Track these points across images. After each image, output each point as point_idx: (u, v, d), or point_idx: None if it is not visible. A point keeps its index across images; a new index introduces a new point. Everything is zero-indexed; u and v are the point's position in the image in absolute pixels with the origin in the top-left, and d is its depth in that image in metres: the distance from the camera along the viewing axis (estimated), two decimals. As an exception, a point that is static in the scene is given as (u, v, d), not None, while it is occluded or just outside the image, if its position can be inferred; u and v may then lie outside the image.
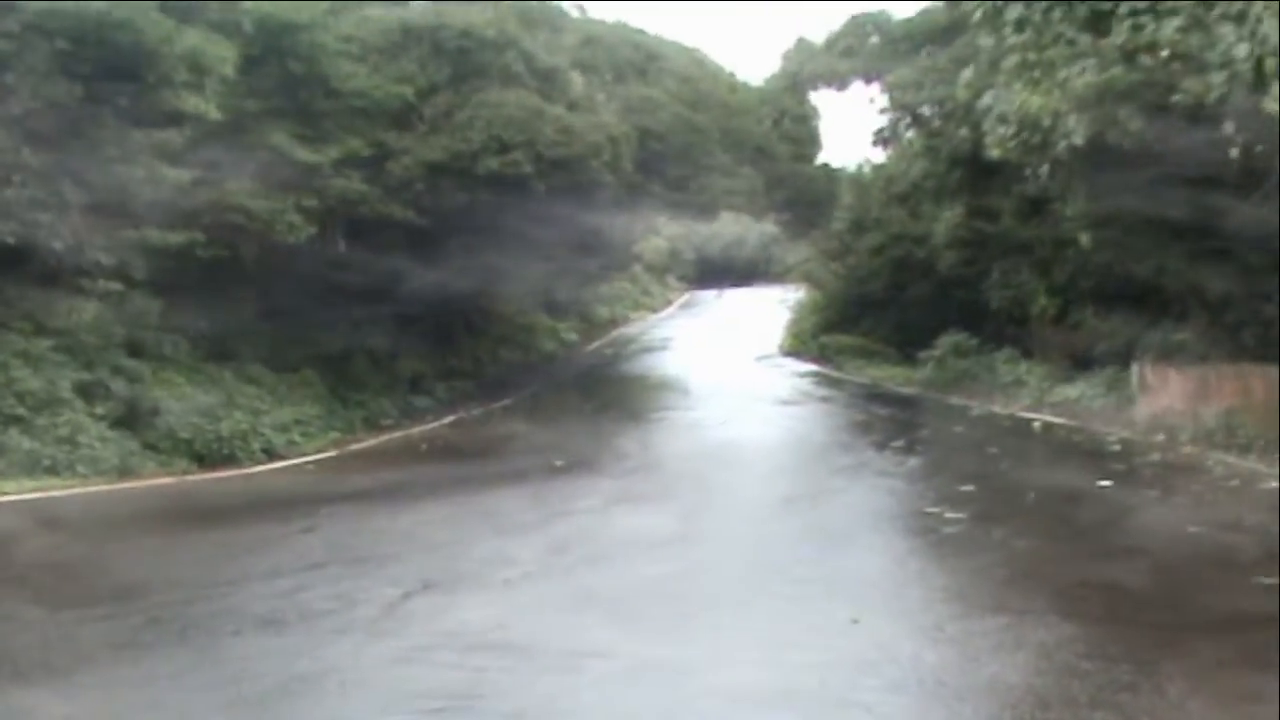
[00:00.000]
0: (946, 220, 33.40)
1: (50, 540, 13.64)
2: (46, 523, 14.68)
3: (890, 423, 26.10)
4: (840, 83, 37.91)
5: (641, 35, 40.08)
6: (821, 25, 45.13)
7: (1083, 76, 17.60)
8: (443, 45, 29.95)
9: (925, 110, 33.42)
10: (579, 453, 21.57)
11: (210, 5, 23.62)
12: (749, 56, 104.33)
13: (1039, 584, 11.01)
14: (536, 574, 11.79)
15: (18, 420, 18.58)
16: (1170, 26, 16.44)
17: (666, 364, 42.95)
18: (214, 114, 22.17)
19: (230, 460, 21.09)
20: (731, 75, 41.84)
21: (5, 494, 16.39)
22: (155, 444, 20.44)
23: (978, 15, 18.44)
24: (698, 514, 15.42)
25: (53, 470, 18.11)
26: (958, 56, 27.57)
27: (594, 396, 33.60)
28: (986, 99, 20.32)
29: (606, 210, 35.00)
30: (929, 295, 36.43)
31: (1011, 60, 19.30)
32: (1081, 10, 16.63)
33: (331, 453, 23.36)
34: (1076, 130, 18.09)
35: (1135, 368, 23.93)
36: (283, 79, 26.71)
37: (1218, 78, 15.95)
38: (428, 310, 30.62)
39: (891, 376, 35.53)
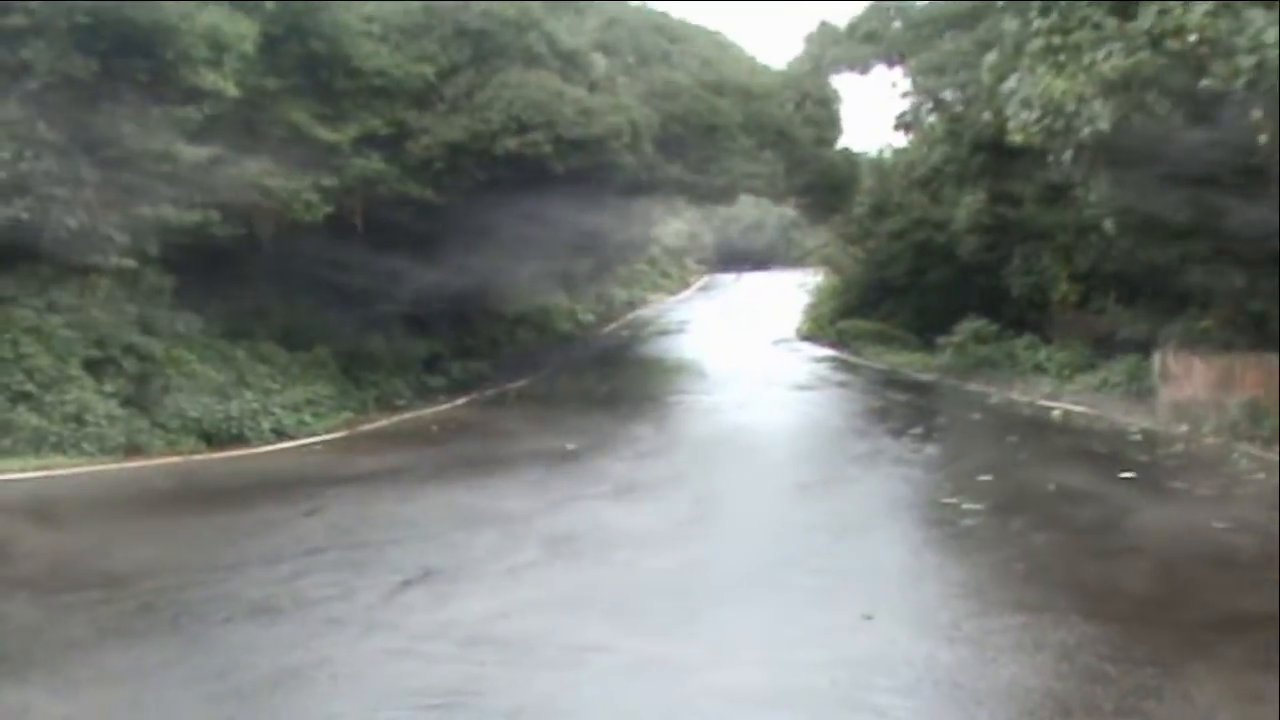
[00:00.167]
0: (968, 205, 33.13)
1: (49, 520, 13.50)
2: (47, 502, 14.57)
3: (907, 409, 25.79)
4: (863, 67, 37.48)
5: (665, 18, 39.66)
6: (844, 9, 44.73)
7: (1109, 61, 17.34)
8: (465, 25, 29.63)
9: (947, 95, 33.09)
10: (592, 436, 21.35)
11: (232, -18, 23.39)
12: (771, 40, 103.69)
13: (1059, 580, 10.77)
14: (541, 563, 11.60)
15: (26, 397, 18.45)
16: (1199, 10, 16.20)
17: (683, 347, 42.76)
18: (232, 91, 21.94)
19: (239, 440, 20.86)
20: (754, 59, 41.34)
21: (9, 472, 16.27)
22: (164, 423, 20.22)
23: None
24: (709, 502, 15.20)
25: (59, 448, 17.96)
26: (982, 40, 27.22)
27: (609, 378, 33.34)
28: (1010, 83, 20.04)
29: (625, 192, 34.77)
30: (949, 281, 36.05)
31: (1036, 44, 19.07)
32: (1109, -7, 16.31)
33: (342, 433, 23.14)
34: (1101, 115, 17.80)
35: (1157, 356, 23.57)
36: (303, 57, 26.45)
37: (1246, 62, 15.71)
38: (444, 290, 30.38)
39: (909, 362, 35.17)
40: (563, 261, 37.36)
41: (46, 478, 16.29)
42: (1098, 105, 17.78)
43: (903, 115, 35.78)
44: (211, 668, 8.25)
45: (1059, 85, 18.19)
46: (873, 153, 42.57)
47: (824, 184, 39.51)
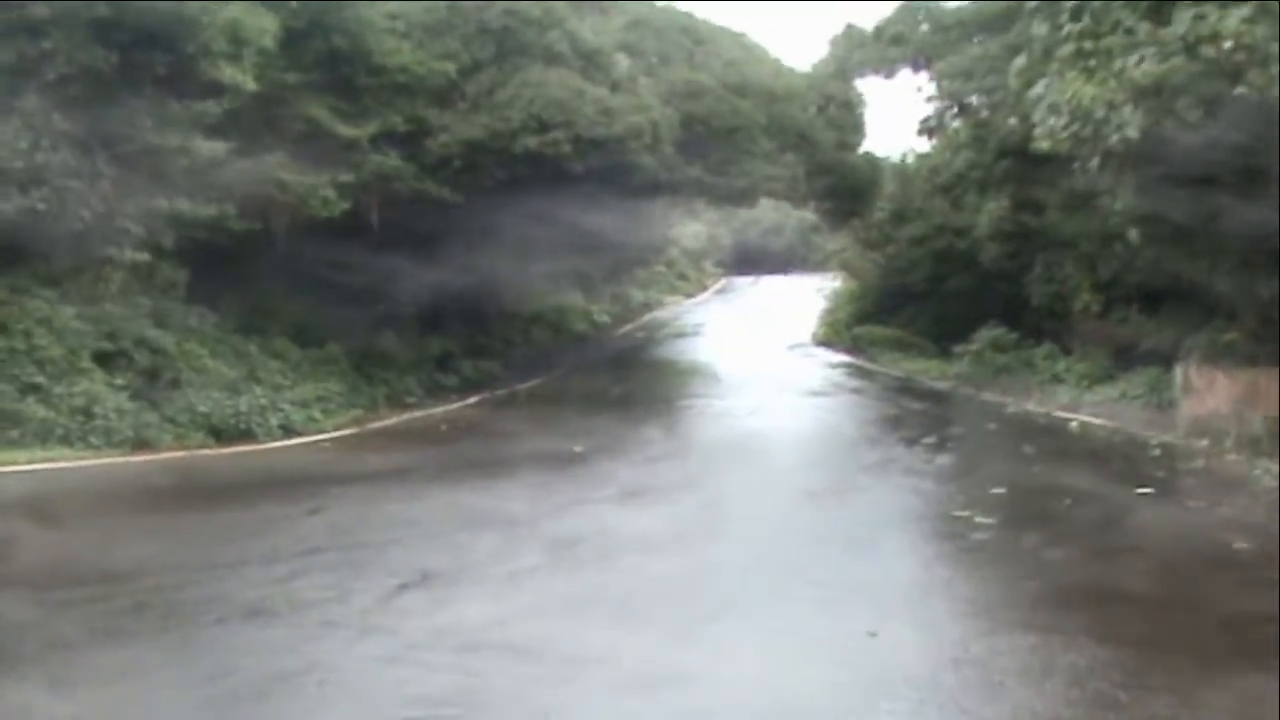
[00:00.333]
0: (990, 212, 32.81)
1: (48, 515, 13.31)
2: (49, 496, 14.43)
3: (922, 418, 25.53)
4: (888, 70, 37.10)
5: (690, 19, 39.50)
6: (871, 12, 44.34)
7: (1141, 66, 17.02)
8: (488, 23, 29.48)
9: (973, 100, 32.74)
10: (600, 438, 21.14)
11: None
12: (796, 42, 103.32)
13: (1071, 600, 10.44)
14: (542, 568, 11.36)
15: (35, 389, 18.40)
16: (1235, 16, 15.89)
17: (697, 350, 42.60)
18: (251, 86, 21.86)
19: (247, 436, 20.69)
20: (778, 61, 41.13)
21: (15, 464, 16.15)
22: (173, 417, 20.09)
23: (1034, 1, 17.85)
24: (716, 509, 14.94)
25: (66, 440, 17.89)
26: (1010, 45, 26.89)
27: (622, 380, 33.17)
28: (1038, 88, 19.72)
29: (645, 193, 34.56)
30: (968, 288, 35.77)
31: (1067, 48, 18.76)
32: (1142, -2, 16.01)
33: (351, 430, 23.02)
34: (1131, 122, 17.49)
35: (1179, 369, 23.21)
36: (325, 53, 26.33)
37: (1283, 70, 15.44)
38: (459, 288, 30.21)
39: (926, 370, 34.92)
40: (579, 262, 37.07)
41: (51, 470, 16.21)
42: (1127, 112, 17.47)
43: (927, 120, 35.41)
44: (198, 672, 8.04)
45: (1088, 91, 17.88)
46: (895, 157, 42.33)
47: (845, 188, 39.30)
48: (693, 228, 70.36)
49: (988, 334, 31.92)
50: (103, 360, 19.69)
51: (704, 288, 73.24)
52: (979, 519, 13.78)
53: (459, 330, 33.04)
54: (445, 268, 28.94)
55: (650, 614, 9.73)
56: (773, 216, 77.36)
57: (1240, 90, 16.32)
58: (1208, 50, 16.74)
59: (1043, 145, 20.13)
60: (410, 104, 28.20)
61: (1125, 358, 27.12)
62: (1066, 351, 29.97)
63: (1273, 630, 9.20)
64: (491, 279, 31.28)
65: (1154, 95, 17.37)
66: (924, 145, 38.91)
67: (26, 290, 19.53)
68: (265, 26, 22.18)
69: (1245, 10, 15.75)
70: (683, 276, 71.41)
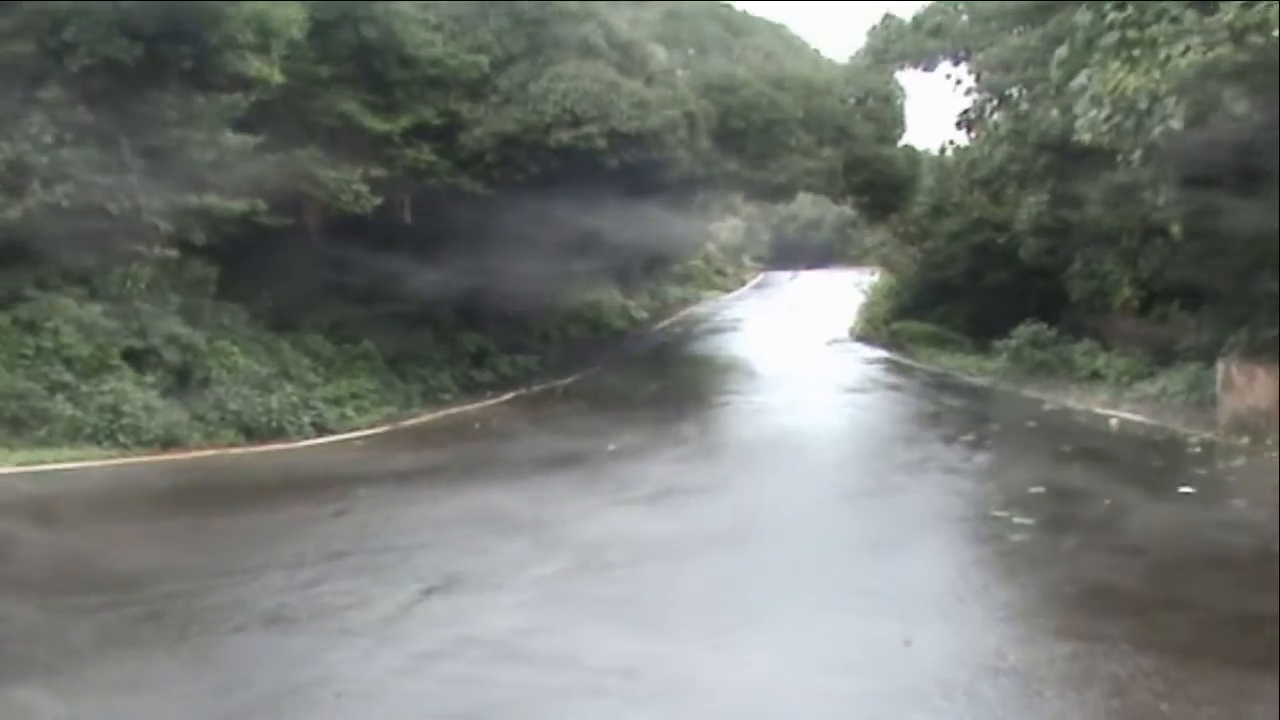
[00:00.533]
0: (1030, 206, 32.42)
1: (71, 516, 13.19)
2: (72, 496, 14.30)
3: (960, 415, 25.22)
4: (927, 62, 36.77)
5: (728, 10, 39.34)
6: (909, 2, 43.90)
7: (1186, 56, 16.69)
8: (521, 15, 29.33)
9: (1013, 92, 32.36)
10: (636, 437, 20.90)
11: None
12: (834, 33, 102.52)
13: (1112, 605, 10.13)
14: (571, 572, 11.12)
15: (64, 386, 18.25)
16: (1285, 4, 15.60)
17: (735, 346, 42.32)
18: (278, 78, 21.66)
19: (279, 434, 20.57)
20: (816, 52, 40.97)
21: (41, 463, 16.04)
22: (203, 415, 19.93)
23: (1076, -10, 17.57)
24: (750, 510, 14.63)
25: (94, 439, 17.76)
26: (1050, 36, 26.52)
27: (658, 377, 32.94)
28: (1080, 79, 19.43)
29: (681, 187, 34.36)
30: (1007, 283, 35.36)
31: (1110, 38, 18.43)
32: (1189, -15, 15.71)
33: (384, 428, 22.88)
34: (1175, 113, 17.16)
35: (1220, 365, 22.81)
36: (356, 46, 26.23)
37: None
38: (495, 284, 30.09)
39: (964, 366, 34.52)
40: (615, 257, 36.89)
41: (77, 470, 16.07)
42: (1172, 102, 17.14)
43: (966, 113, 35.11)
44: (212, 683, 7.85)
45: (1131, 82, 17.56)
46: (934, 151, 41.93)
47: (883, 182, 39.02)
48: (730, 222, 70.26)
49: (1026, 330, 31.52)
50: (132, 358, 19.58)
51: (741, 283, 73.02)
52: (1017, 520, 13.49)
53: (495, 326, 32.89)
54: (480, 264, 28.79)
55: (680, 622, 9.49)
56: (811, 211, 77.04)
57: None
58: (1255, 39, 16.44)
59: (1084, 138, 19.87)
60: (442, 98, 28.06)
61: (1165, 354, 26.74)
62: (1106, 348, 29.57)
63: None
64: (527, 275, 31.08)
65: (1199, 86, 17.06)
66: (963, 138, 38.64)
67: (54, 288, 19.45)
68: (292, 18, 22.01)
69: (1294, -3, 15.43)
70: (720, 272, 71.22)
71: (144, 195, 19.83)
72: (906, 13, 38.30)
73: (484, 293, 30.02)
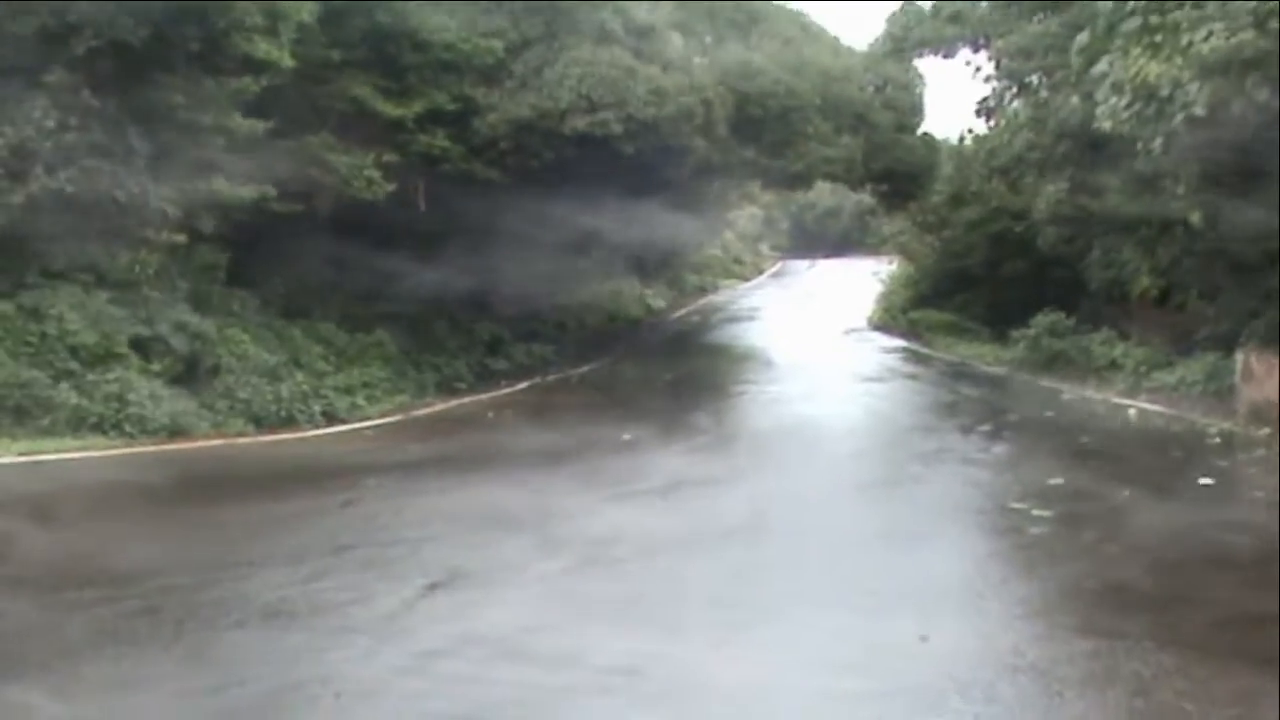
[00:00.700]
0: (1049, 195, 32.18)
1: (70, 507, 12.94)
2: (73, 487, 14.06)
3: (977, 404, 25.06)
4: (947, 49, 36.38)
5: (746, -3, 39.02)
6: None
7: (1208, 41, 16.41)
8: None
9: (1033, 79, 32.03)
10: (651, 426, 20.63)
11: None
12: (853, 20, 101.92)
13: (1133, 601, 9.87)
14: (578, 567, 10.86)
15: (69, 375, 17.97)
16: (1308, -12, 15.35)
17: (752, 334, 42.19)
18: (288, 62, 21.42)
19: (288, 423, 20.35)
20: (835, 39, 40.62)
21: (43, 453, 15.82)
22: (211, 404, 19.71)
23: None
24: (765, 502, 14.40)
25: (99, 428, 17.48)
26: (1071, 22, 26.20)
27: (675, 366, 32.76)
28: (1102, 65, 19.14)
29: (698, 175, 34.19)
30: (1025, 272, 35.39)
31: (1132, 24, 18.16)
32: (1212, -29, 15.45)
33: (395, 417, 22.66)
34: (1198, 100, 16.87)
35: (1239, 355, 22.58)
36: (368, 30, 26.04)
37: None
38: (510, 272, 29.94)
39: (981, 355, 34.39)
40: (632, 246, 36.73)
41: (80, 460, 15.78)
42: (1194, 89, 16.86)
43: (985, 100, 34.74)
44: (207, 681, 7.59)
45: (1153, 68, 17.28)
46: (953, 139, 41.65)
47: (902, 170, 38.76)
48: (748, 211, 70.00)
49: (1044, 319, 31.31)
50: (139, 346, 19.30)
51: (759, 271, 72.89)
52: (1036, 512, 13.24)
53: (510, 315, 32.72)
54: (495, 251, 28.66)
55: (690, 619, 9.22)
56: (829, 199, 76.81)
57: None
58: (1278, 25, 16.17)
59: (1105, 125, 19.60)
60: (456, 83, 27.86)
61: (1184, 344, 26.64)
62: (1124, 337, 29.42)
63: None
64: (542, 263, 30.94)
65: (1221, 72, 16.79)
66: (982, 127, 38.32)
67: (59, 275, 19.15)
68: (302, 1, 21.76)
69: (1319, -19, 15.16)
70: (738, 260, 71.08)
71: (151, 181, 19.55)
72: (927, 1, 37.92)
73: (499, 281, 29.87)
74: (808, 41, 38.34)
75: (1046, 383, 28.37)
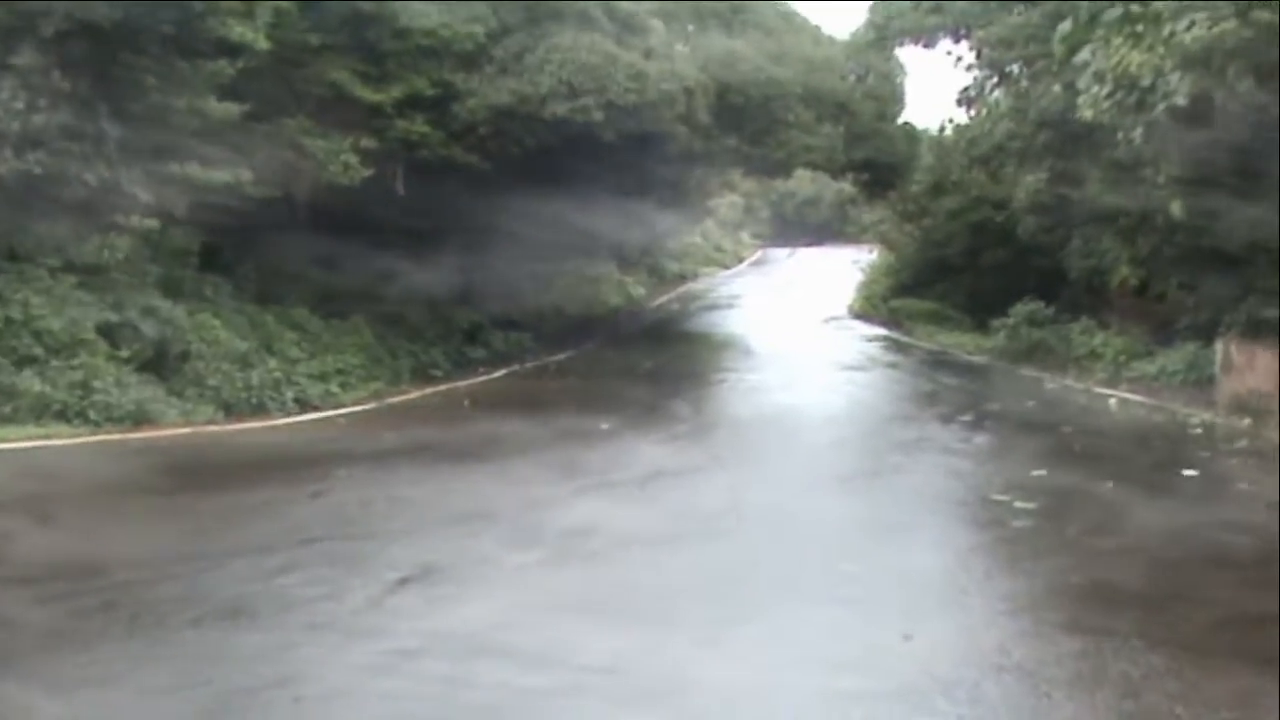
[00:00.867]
0: (1028, 185, 32.14)
1: (25, 499, 12.47)
2: (29, 477, 13.60)
3: (958, 394, 24.92)
4: (928, 39, 36.19)
5: (727, -17, 38.79)
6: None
7: (1191, 31, 16.28)
8: (520, -15, 28.86)
9: (1014, 69, 31.94)
10: (629, 415, 20.46)
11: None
12: (835, 9, 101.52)
13: (1119, 597, 9.70)
14: (554, 560, 10.63)
15: (33, 361, 17.52)
16: (1291, -23, 15.25)
17: (732, 322, 42.04)
18: (263, 44, 21.01)
19: (259, 410, 20.05)
20: (816, 28, 40.49)
21: (3, 442, 15.42)
22: (180, 391, 19.31)
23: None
24: (744, 493, 14.21)
25: (63, 416, 17.04)
26: (1052, 13, 26.08)
27: (654, 354, 32.53)
28: (1084, 54, 19.02)
29: (679, 163, 34.03)
30: (1005, 261, 35.32)
31: (1114, 13, 18.06)
32: (1194, -41, 15.31)
33: (369, 405, 22.32)
34: (1179, 90, 16.76)
35: (1219, 345, 22.55)
36: (347, 14, 25.76)
37: (1343, 35, 14.74)
38: (489, 259, 29.74)
39: (962, 344, 34.35)
40: (613, 233, 36.55)
41: (39, 449, 15.36)
42: (1175, 79, 16.75)
43: (966, 90, 34.63)
44: (162, 683, 7.30)
45: (1135, 57, 17.16)
46: (934, 129, 41.58)
47: (883, 159, 38.67)
48: (728, 199, 69.85)
49: (1024, 308, 31.31)
50: (106, 332, 18.82)
51: (740, 259, 72.78)
52: (1019, 504, 13.11)
53: (489, 302, 32.50)
54: (474, 238, 28.48)
55: (669, 616, 9.01)
56: (810, 188, 76.76)
57: (1294, 56, 15.69)
58: (1260, 14, 16.08)
59: (1086, 114, 19.50)
60: (436, 68, 27.59)
61: (1163, 333, 26.73)
62: (1104, 326, 29.43)
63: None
64: (522, 249, 30.78)
65: (1204, 62, 16.67)
66: (963, 116, 38.23)
67: (25, 258, 18.70)
68: (279, -14, 21.50)
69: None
70: (719, 248, 70.97)
71: (122, 164, 19.14)
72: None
73: (478, 268, 29.66)
74: (789, 31, 38.22)
75: (1027, 371, 28.35)
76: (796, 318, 42.45)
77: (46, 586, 9.25)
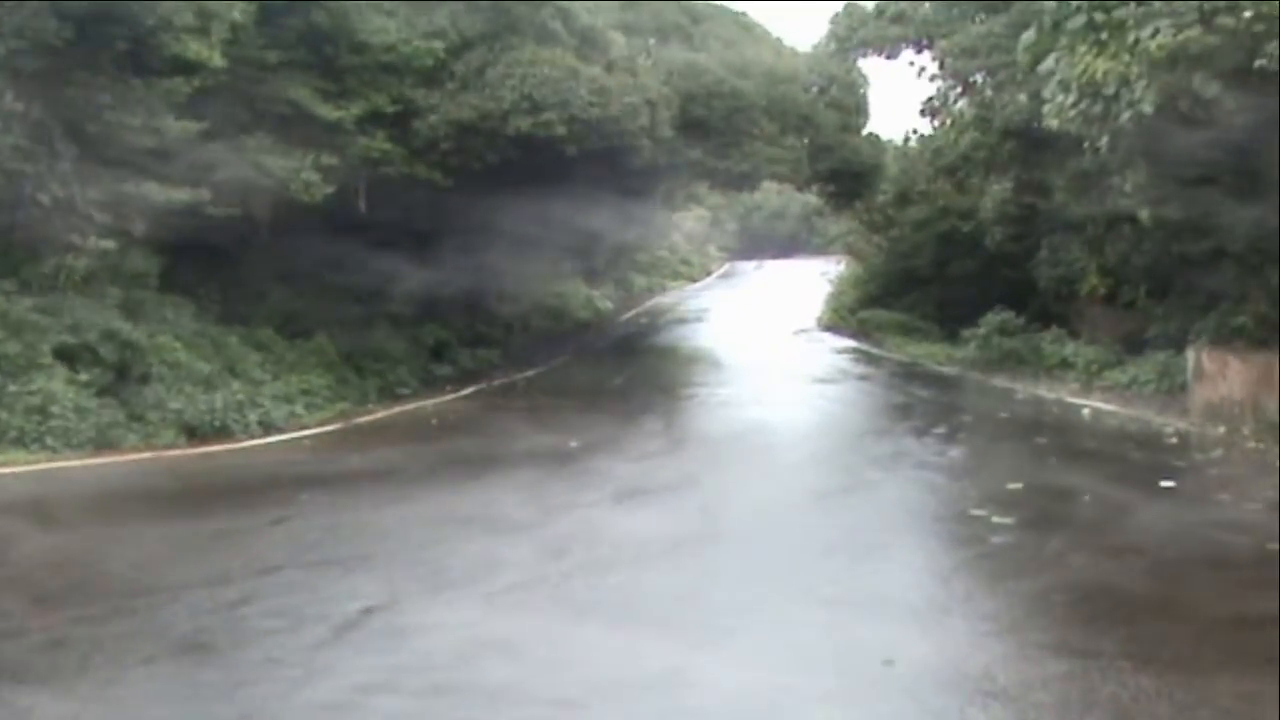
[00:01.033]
0: (995, 194, 32.34)
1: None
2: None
3: (931, 406, 24.71)
4: (890, 50, 36.26)
5: (687, -5, 38.71)
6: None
7: (1155, 38, 16.22)
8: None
9: (977, 78, 31.93)
10: (598, 432, 20.25)
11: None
12: (796, 21, 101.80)
13: (1104, 615, 9.45)
14: (522, 586, 10.25)
15: (-12, 387, 17.16)
16: (1254, -16, 15.21)
17: (700, 336, 41.90)
18: (218, 61, 20.80)
19: (223, 433, 19.67)
20: (778, 40, 40.52)
21: (-42, 470, 15.07)
22: (142, 415, 18.97)
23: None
24: (717, 512, 13.96)
25: (20, 442, 16.67)
26: (1014, 22, 26.11)
27: (623, 369, 32.37)
28: (1048, 63, 18.99)
29: (644, 176, 33.86)
30: (974, 272, 35.42)
31: (1078, 20, 18.00)
32: (1157, -34, 15.27)
33: (335, 426, 22.01)
34: (1145, 97, 16.70)
35: (1190, 353, 22.46)
36: (305, 30, 25.46)
37: (1306, 40, 14.69)
38: (455, 275, 29.45)
39: (932, 355, 34.18)
40: (579, 247, 36.41)
41: (-8, 477, 15.05)
42: (1141, 87, 16.67)
43: (930, 100, 34.69)
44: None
45: (1100, 65, 17.11)
46: (898, 139, 41.60)
47: (848, 171, 38.57)
48: (695, 212, 69.89)
49: (994, 318, 31.24)
50: (64, 355, 18.50)
51: (708, 272, 72.82)
52: (996, 519, 12.86)
53: (455, 319, 32.32)
54: (439, 254, 28.23)
55: (641, 646, 8.68)
56: (776, 200, 77.04)
57: (1260, 62, 15.60)
58: (1225, 20, 16.03)
59: (1051, 123, 19.50)
60: (396, 84, 27.35)
61: (1134, 342, 26.65)
62: (1074, 335, 29.40)
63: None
64: (488, 265, 30.60)
65: (1169, 69, 16.61)
66: (927, 127, 38.28)
67: (-20, 281, 18.35)
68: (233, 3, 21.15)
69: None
70: (686, 261, 70.93)
71: (78, 184, 18.86)
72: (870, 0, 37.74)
73: (444, 284, 29.37)
74: (750, 42, 38.23)
75: (999, 382, 28.21)
76: (765, 330, 42.32)
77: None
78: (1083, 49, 17.88)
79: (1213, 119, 16.90)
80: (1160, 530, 12.45)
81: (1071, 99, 18.39)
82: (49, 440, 17.01)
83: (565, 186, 28.80)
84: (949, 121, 34.97)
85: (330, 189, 25.04)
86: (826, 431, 22.47)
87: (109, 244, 19.81)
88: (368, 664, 8.14)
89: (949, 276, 37.05)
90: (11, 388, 17.32)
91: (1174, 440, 19.51)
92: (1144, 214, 21.01)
